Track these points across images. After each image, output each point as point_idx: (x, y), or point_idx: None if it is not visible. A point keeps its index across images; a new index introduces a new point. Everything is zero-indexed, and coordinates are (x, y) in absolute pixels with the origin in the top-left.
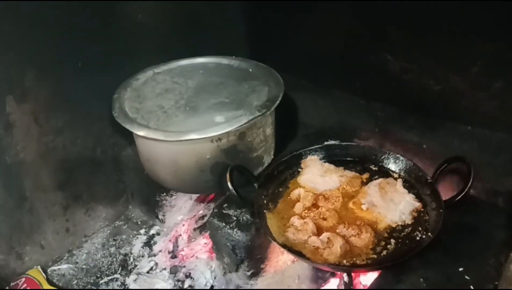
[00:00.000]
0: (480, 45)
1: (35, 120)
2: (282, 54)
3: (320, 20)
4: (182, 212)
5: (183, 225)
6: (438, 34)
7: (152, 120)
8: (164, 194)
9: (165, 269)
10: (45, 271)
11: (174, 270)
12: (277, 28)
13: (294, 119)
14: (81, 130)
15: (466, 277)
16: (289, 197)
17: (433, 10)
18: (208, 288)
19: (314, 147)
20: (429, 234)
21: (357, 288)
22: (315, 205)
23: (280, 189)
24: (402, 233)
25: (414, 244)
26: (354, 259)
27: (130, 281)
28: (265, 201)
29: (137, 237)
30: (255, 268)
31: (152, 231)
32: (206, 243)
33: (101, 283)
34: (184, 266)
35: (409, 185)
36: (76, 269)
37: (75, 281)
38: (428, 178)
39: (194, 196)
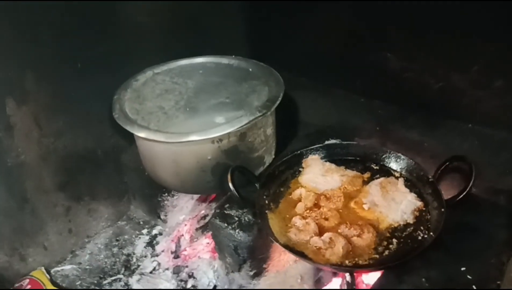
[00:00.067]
0: (481, 45)
1: (36, 122)
2: (282, 53)
3: (320, 20)
4: (184, 212)
5: (185, 225)
6: (438, 34)
7: (152, 121)
8: (166, 194)
9: (168, 269)
10: (48, 272)
11: (177, 270)
12: (277, 28)
13: (295, 118)
14: (81, 131)
15: (468, 276)
16: (290, 197)
17: (433, 10)
18: (211, 288)
19: (315, 146)
20: (431, 233)
21: (359, 287)
22: (316, 205)
23: (282, 189)
24: (404, 233)
25: (416, 244)
26: (356, 259)
27: (133, 281)
28: (266, 201)
29: (140, 237)
30: (258, 268)
31: (155, 231)
32: (208, 243)
33: (105, 284)
34: (187, 266)
35: (411, 184)
36: (79, 269)
37: (79, 282)
38: (430, 177)
39: (196, 196)
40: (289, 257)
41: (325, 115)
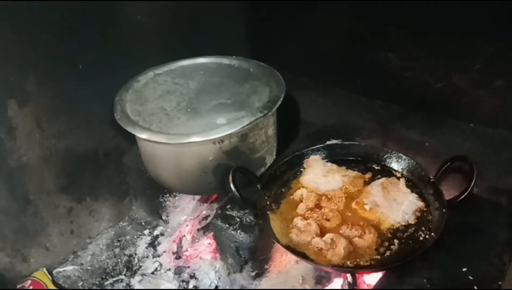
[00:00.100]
0: (481, 45)
1: (37, 124)
2: (282, 53)
3: (320, 20)
4: (185, 213)
5: (187, 225)
6: (438, 34)
7: (154, 122)
8: (167, 194)
9: (169, 269)
10: (50, 273)
11: (178, 271)
12: (277, 28)
13: (296, 118)
14: (83, 132)
15: (470, 277)
16: (292, 198)
17: (433, 10)
18: (213, 288)
19: (316, 146)
20: (432, 234)
21: (361, 287)
22: (318, 206)
23: (283, 190)
24: (405, 233)
25: (417, 245)
26: (358, 260)
27: (135, 282)
28: (268, 202)
29: (141, 238)
30: (259, 268)
31: (156, 232)
32: (210, 244)
33: (106, 284)
34: (189, 267)
35: (412, 185)
36: (81, 270)
37: (81, 283)
38: (431, 177)
39: (197, 196)
40: (291, 257)
41: (325, 115)
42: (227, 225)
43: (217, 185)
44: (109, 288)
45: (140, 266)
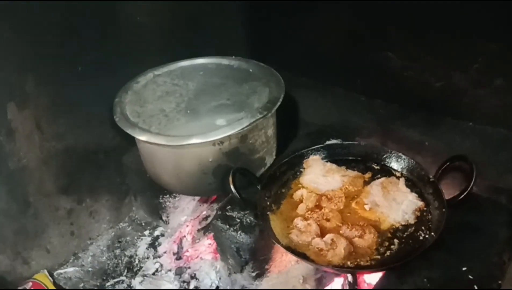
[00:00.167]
0: (481, 44)
1: (37, 126)
2: (282, 53)
3: (320, 20)
4: (185, 213)
5: (187, 226)
6: (438, 34)
7: (153, 124)
8: (167, 195)
9: (170, 270)
10: (51, 275)
11: (179, 271)
12: (277, 28)
13: (295, 118)
14: (82, 134)
15: (470, 276)
16: (292, 198)
17: (433, 10)
18: (214, 288)
19: (316, 147)
20: (432, 233)
21: (361, 287)
22: (318, 206)
23: (283, 190)
24: (405, 233)
25: (417, 244)
26: (358, 260)
27: (135, 283)
28: (268, 203)
29: (142, 239)
30: (260, 269)
31: (156, 233)
32: (210, 244)
33: (107, 285)
34: (189, 267)
35: (412, 184)
36: (82, 272)
37: (82, 284)
38: (431, 176)
39: (197, 197)
40: (291, 257)
41: (325, 115)
42: (228, 226)
43: (217, 186)
44: (110, 289)
45: (141, 267)
